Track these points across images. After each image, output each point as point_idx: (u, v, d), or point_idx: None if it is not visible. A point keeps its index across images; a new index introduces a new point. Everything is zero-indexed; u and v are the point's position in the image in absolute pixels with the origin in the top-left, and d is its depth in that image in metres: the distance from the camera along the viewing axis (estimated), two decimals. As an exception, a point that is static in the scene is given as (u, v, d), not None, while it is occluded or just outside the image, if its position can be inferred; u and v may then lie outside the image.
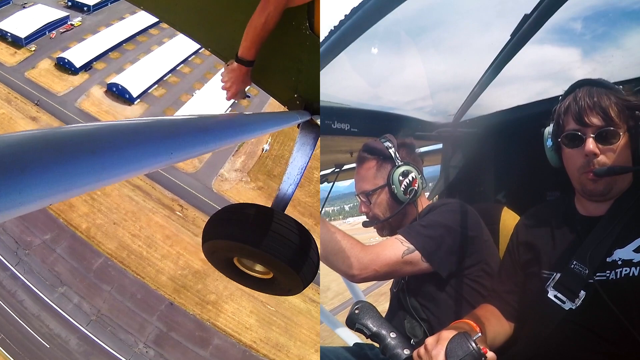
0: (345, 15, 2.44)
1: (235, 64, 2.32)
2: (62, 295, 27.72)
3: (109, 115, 33.45)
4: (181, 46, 38.06)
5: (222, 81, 2.45)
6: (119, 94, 33.13)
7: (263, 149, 34.85)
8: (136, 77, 35.06)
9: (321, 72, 2.34)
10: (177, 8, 2.67)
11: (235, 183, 32.52)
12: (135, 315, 27.95)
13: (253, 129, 1.82)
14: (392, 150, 2.54)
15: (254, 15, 2.16)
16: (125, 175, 0.85)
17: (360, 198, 2.64)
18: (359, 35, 2.55)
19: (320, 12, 2.25)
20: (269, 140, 35.24)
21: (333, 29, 2.48)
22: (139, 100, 34.13)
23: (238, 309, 29.11)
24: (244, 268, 2.56)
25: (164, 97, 36.31)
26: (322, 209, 3.48)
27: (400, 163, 2.52)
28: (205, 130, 1.31)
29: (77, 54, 36.88)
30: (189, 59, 39.96)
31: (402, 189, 2.49)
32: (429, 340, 1.73)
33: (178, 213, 30.28)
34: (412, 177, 2.51)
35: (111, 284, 28.57)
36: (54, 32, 39.77)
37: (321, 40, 2.37)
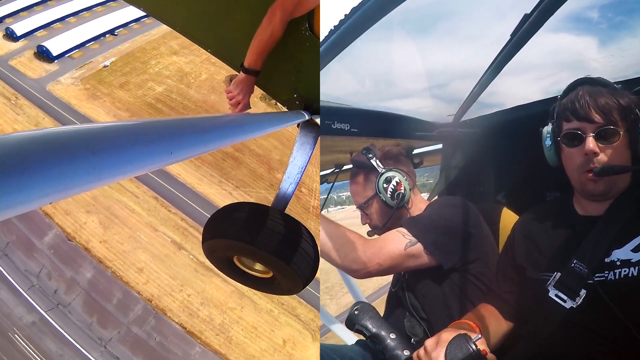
0: (345, 15, 2.44)
1: (242, 75, 2.36)
2: None
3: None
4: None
5: (230, 96, 2.46)
6: (9, 35, 44.43)
7: (104, 65, 41.92)
8: (30, 22, 46.06)
9: (321, 72, 2.34)
10: (177, 9, 2.68)
11: (67, 86, 39.96)
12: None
13: (253, 129, 1.82)
14: (373, 160, 2.57)
15: (260, 28, 2.20)
16: (125, 175, 0.85)
17: (360, 211, 2.69)
18: (359, 35, 2.54)
19: (320, 12, 2.25)
20: (113, 59, 42.40)
21: (333, 29, 2.47)
22: (24, 39, 44.42)
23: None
24: (244, 267, 2.57)
25: (44, 36, 44.12)
26: (322, 209, 3.48)
27: (382, 171, 2.55)
28: (205, 130, 1.32)
29: (-4, 12, 46.56)
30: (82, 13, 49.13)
31: (388, 194, 2.53)
32: (429, 342, 1.73)
33: (12, 102, 38.27)
34: (397, 182, 2.54)
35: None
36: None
37: (321, 40, 2.37)
